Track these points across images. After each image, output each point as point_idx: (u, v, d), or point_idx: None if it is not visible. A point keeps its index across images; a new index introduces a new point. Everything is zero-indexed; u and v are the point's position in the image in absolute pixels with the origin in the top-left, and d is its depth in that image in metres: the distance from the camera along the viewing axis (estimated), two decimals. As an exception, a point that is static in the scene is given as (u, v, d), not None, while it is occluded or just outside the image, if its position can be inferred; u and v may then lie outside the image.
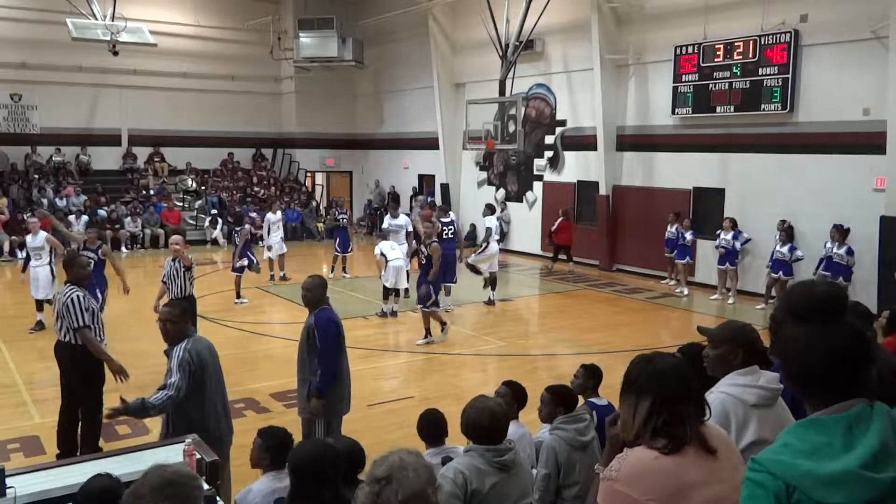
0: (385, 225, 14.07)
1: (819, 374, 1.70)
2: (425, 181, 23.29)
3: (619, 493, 2.05)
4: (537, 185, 19.28)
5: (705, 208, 15.21)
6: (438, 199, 20.47)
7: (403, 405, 7.81)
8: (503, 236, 19.10)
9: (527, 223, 19.46)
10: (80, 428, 6.31)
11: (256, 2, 23.71)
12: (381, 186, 24.78)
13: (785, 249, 12.45)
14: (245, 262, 13.19)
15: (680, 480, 2.03)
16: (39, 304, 10.85)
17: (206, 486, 3.44)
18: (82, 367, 6.24)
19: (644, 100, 16.29)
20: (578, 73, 17.47)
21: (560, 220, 16.90)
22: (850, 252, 11.68)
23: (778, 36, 13.26)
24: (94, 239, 10.22)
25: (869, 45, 12.11)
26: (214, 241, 21.19)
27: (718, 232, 13.79)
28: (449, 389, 8.44)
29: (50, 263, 10.82)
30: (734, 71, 14.00)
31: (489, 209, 14.30)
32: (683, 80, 14.98)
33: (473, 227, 20.23)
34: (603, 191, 16.94)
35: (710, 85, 14.46)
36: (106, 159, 22.95)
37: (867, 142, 12.13)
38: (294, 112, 25.01)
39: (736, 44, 13.92)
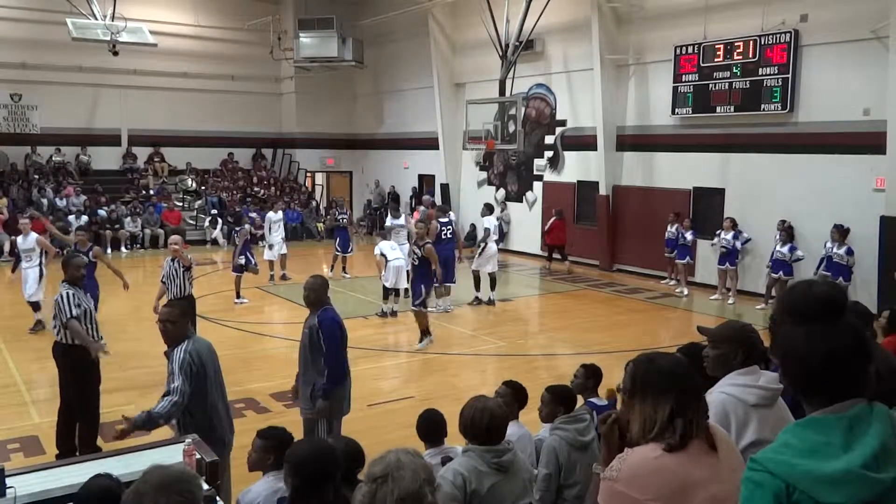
0: (388, 223, 14.06)
1: (818, 374, 1.69)
2: (425, 181, 23.28)
3: (620, 494, 2.05)
4: (537, 185, 19.28)
5: (705, 208, 15.21)
6: (438, 199, 20.47)
7: (403, 405, 7.81)
8: (503, 236, 19.12)
9: (527, 223, 19.46)
10: (78, 428, 6.32)
11: (256, 2, 23.70)
12: (381, 186, 24.78)
13: (785, 249, 12.45)
14: (242, 260, 13.20)
15: (682, 479, 2.02)
16: (36, 305, 10.83)
17: (205, 487, 3.44)
18: (77, 366, 6.26)
19: (644, 100, 16.29)
20: (578, 73, 17.47)
21: (553, 219, 16.93)
22: (849, 252, 11.69)
23: (778, 36, 13.26)
24: (85, 241, 10.17)
25: (869, 45, 12.11)
26: (214, 241, 21.19)
27: (718, 232, 13.80)
28: (449, 389, 8.44)
29: (40, 265, 10.79)
30: (734, 71, 14.00)
31: (487, 209, 14.25)
32: (683, 80, 14.98)
33: (473, 227, 20.23)
34: (603, 191, 16.94)
35: (710, 85, 14.46)
36: (106, 159, 22.95)
37: (867, 142, 12.12)
38: (294, 112, 25.01)
39: (736, 44, 13.92)
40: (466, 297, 13.33)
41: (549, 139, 18.82)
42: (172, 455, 3.88)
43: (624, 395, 2.25)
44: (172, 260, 8.80)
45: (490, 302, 13.22)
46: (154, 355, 5.04)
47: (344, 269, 15.82)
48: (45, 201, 19.92)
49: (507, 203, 20.27)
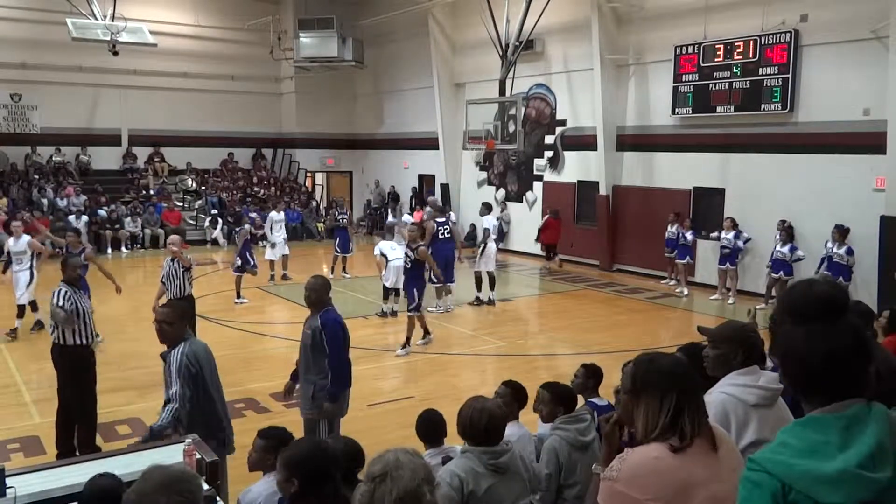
0: (391, 218, 14.02)
1: (818, 374, 1.69)
2: (425, 181, 23.28)
3: (620, 494, 2.05)
4: (537, 185, 19.27)
5: (705, 208, 15.21)
6: (438, 200, 20.45)
7: (403, 405, 7.81)
8: (503, 236, 19.13)
9: (527, 223, 19.44)
10: (77, 429, 6.33)
11: (256, 2, 23.70)
12: (381, 186, 24.78)
13: (785, 249, 12.44)
14: (239, 261, 13.19)
15: (682, 479, 2.02)
16: (34, 305, 10.80)
17: (206, 486, 3.43)
18: (73, 367, 6.28)
19: (644, 100, 16.29)
20: (578, 73, 17.47)
21: (546, 217, 16.95)
22: (849, 252, 11.69)
23: (778, 36, 13.26)
24: (77, 243, 10.11)
25: (869, 45, 12.11)
26: (214, 241, 21.20)
27: (719, 232, 13.80)
28: (449, 389, 8.44)
29: (31, 268, 10.69)
30: (734, 71, 14.00)
31: (486, 208, 14.23)
32: (683, 80, 14.98)
33: (473, 227, 20.23)
34: (603, 191, 16.94)
35: (711, 85, 14.46)
36: (106, 159, 22.96)
37: (867, 142, 12.12)
38: (294, 112, 25.01)
39: (736, 44, 13.92)
40: (466, 297, 13.33)
41: (549, 139, 18.82)
42: (172, 455, 3.88)
43: (622, 395, 2.25)
44: (172, 260, 8.79)
45: (490, 302, 13.21)
46: (153, 355, 5.02)
47: (344, 269, 15.82)
48: (45, 201, 19.94)
49: (507, 203, 20.27)
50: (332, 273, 15.69)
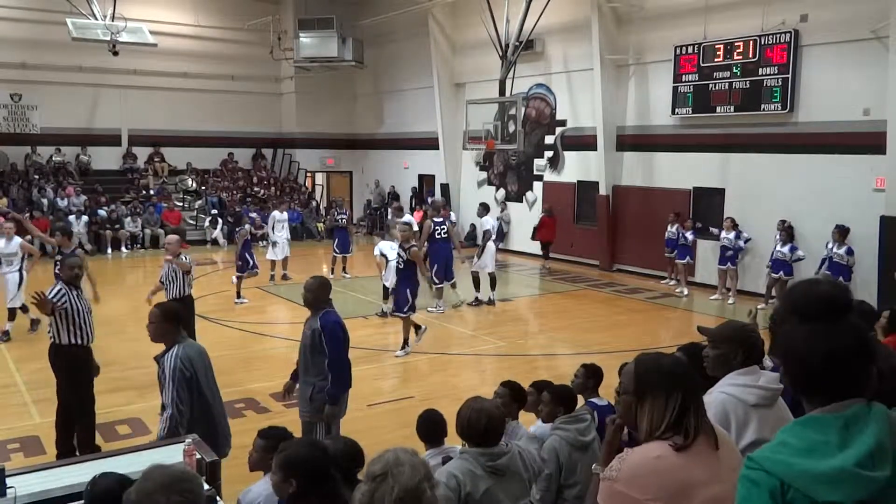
0: (391, 217, 14.00)
1: (818, 374, 1.69)
2: (425, 181, 23.29)
3: (620, 494, 2.04)
4: (537, 185, 19.27)
5: (705, 208, 15.21)
6: (439, 199, 20.46)
7: (403, 405, 7.81)
8: (502, 236, 19.13)
9: (527, 223, 19.43)
10: (76, 428, 6.33)
11: (256, 2, 23.70)
12: (381, 186, 24.78)
13: (785, 249, 12.44)
14: (239, 262, 13.18)
15: (682, 479, 2.02)
16: (24, 307, 10.67)
17: (206, 486, 3.43)
18: (70, 366, 6.28)
19: (644, 100, 16.29)
20: (578, 73, 17.47)
21: (541, 216, 16.96)
22: (850, 252, 11.69)
23: (778, 36, 13.26)
24: (66, 243, 9.99)
25: (869, 45, 12.11)
26: (214, 242, 21.19)
27: (719, 232, 13.80)
28: (449, 389, 8.43)
29: (20, 269, 10.61)
30: (734, 71, 14.00)
31: (483, 209, 14.14)
32: (683, 80, 14.98)
33: (473, 227, 20.22)
34: (603, 191, 16.94)
35: (710, 85, 14.46)
36: (106, 159, 22.95)
37: (867, 142, 12.12)
38: (294, 112, 25.01)
39: (736, 44, 13.92)
40: (466, 297, 13.33)
41: (549, 139, 18.82)
42: (172, 455, 3.88)
43: (622, 396, 2.25)
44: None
45: (490, 302, 13.21)
46: (153, 355, 5.01)
47: (344, 269, 15.82)
48: (45, 201, 19.93)
49: (507, 203, 20.27)
50: (331, 273, 15.69)
